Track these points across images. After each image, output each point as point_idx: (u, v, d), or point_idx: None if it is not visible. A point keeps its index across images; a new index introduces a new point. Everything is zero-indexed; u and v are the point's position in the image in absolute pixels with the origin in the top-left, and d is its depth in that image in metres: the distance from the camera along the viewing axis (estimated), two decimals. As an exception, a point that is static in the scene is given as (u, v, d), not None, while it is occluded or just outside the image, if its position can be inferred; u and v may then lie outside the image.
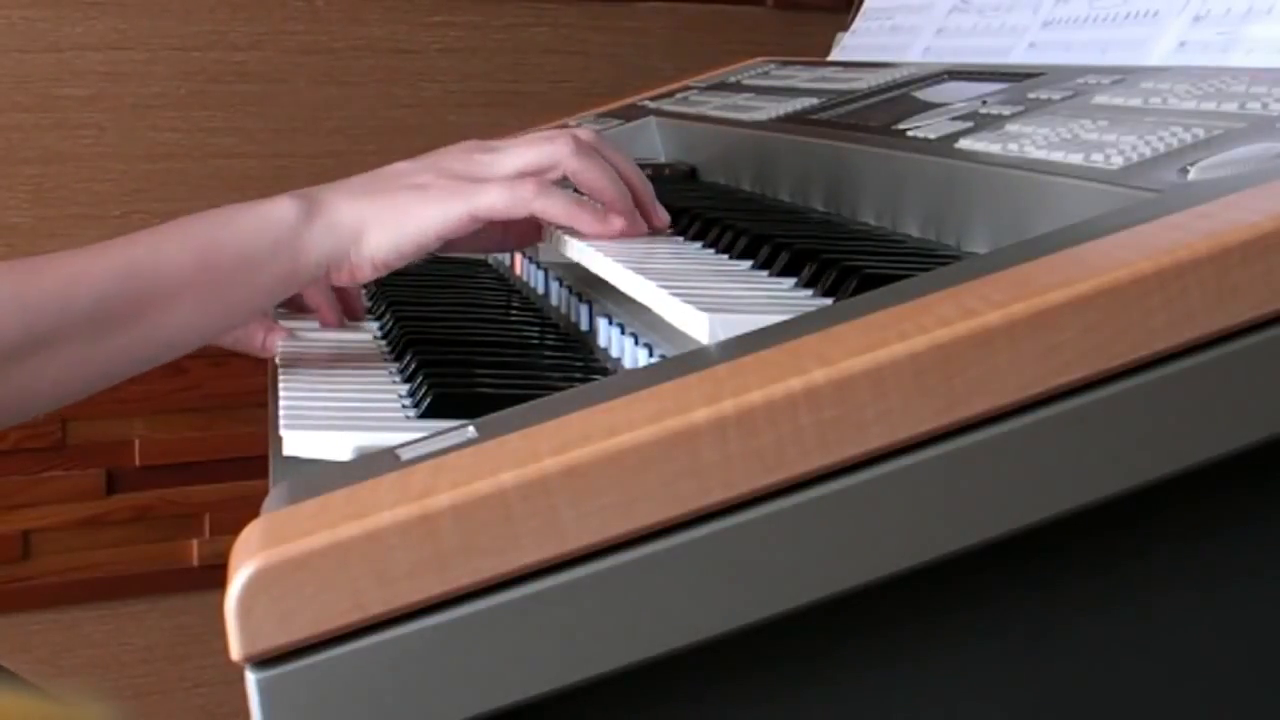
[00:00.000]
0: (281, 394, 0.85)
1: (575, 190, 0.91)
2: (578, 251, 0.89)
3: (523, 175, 0.89)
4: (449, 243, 0.90)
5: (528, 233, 0.97)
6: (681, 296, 0.71)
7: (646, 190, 0.94)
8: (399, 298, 1.13)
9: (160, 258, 0.86)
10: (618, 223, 0.90)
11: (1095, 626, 0.57)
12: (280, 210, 0.87)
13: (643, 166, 1.00)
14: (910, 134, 0.97)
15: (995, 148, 0.85)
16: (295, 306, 1.09)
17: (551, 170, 0.90)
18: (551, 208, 0.88)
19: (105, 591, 2.00)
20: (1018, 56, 1.15)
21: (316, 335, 1.03)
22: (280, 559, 0.48)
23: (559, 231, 0.94)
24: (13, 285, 0.83)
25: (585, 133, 0.93)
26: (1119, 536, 0.56)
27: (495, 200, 0.87)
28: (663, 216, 0.94)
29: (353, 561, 0.48)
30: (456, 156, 0.91)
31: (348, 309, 1.08)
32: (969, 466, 0.51)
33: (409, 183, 0.89)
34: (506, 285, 1.28)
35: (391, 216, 0.87)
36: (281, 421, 0.77)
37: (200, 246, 0.86)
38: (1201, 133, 0.73)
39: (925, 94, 1.11)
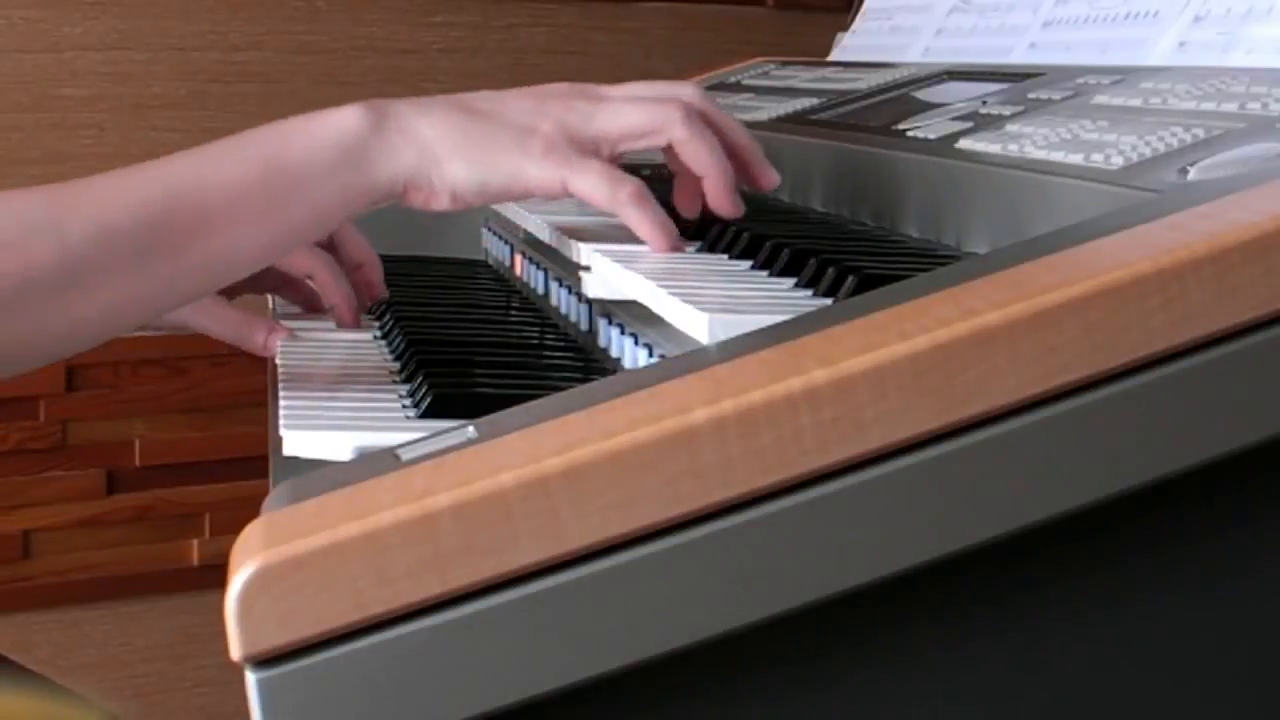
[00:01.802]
0: (281, 394, 0.85)
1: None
2: (580, 252, 0.89)
3: (625, 138, 0.84)
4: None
5: None
6: (681, 296, 0.71)
7: (754, 152, 0.88)
8: (399, 298, 1.13)
9: (212, 175, 0.80)
10: (689, 247, 0.87)
11: (1095, 626, 0.57)
12: (346, 118, 0.81)
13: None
14: (910, 134, 0.97)
15: (995, 148, 0.85)
16: (310, 307, 1.09)
17: (656, 135, 0.85)
18: (641, 221, 0.84)
19: (105, 591, 2.00)
20: (1018, 56, 1.15)
21: (317, 336, 1.03)
22: (280, 559, 0.48)
23: (564, 234, 0.94)
24: (49, 210, 0.77)
25: (694, 94, 0.87)
26: (1119, 536, 0.56)
27: (594, 188, 0.82)
28: (772, 176, 0.89)
29: (353, 561, 0.48)
30: (559, 100, 0.84)
31: (363, 303, 1.07)
32: (969, 466, 0.51)
33: (510, 121, 0.83)
34: (506, 286, 1.28)
35: (484, 152, 0.82)
36: (281, 421, 0.77)
37: (255, 162, 0.80)
38: (1201, 133, 0.73)
39: (925, 94, 1.11)
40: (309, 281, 1.07)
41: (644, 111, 0.85)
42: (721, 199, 0.86)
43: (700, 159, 0.85)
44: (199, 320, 1.02)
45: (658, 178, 0.94)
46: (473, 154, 0.82)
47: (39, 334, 0.77)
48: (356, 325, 1.04)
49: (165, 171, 0.81)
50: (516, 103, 0.85)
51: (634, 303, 0.79)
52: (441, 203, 0.83)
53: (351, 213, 0.83)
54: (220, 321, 1.02)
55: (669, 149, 0.86)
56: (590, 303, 1.02)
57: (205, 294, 0.84)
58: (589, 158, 0.83)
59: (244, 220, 0.79)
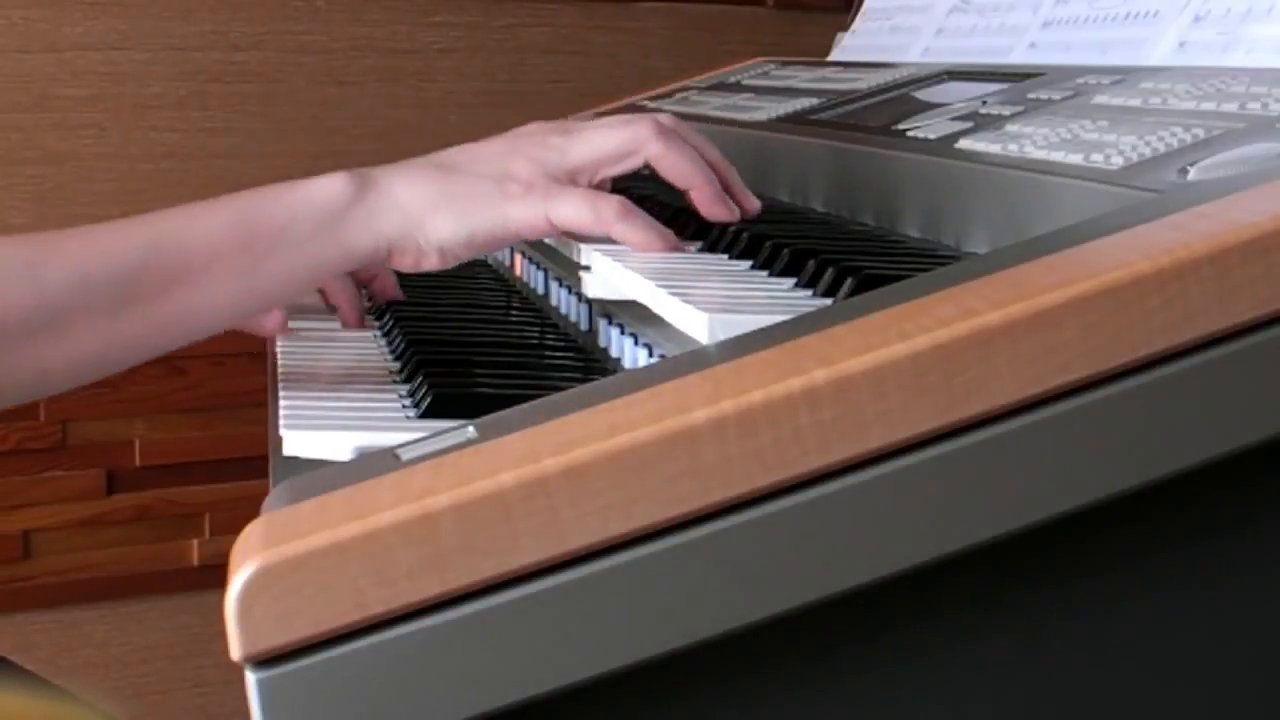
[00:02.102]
0: (281, 394, 0.85)
1: (655, 176, 0.88)
2: (579, 252, 0.89)
3: (603, 164, 0.85)
4: None
5: None
6: (681, 296, 0.70)
7: (731, 175, 0.90)
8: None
9: (191, 232, 0.81)
10: (690, 247, 0.86)
11: (1095, 626, 0.57)
12: (328, 187, 0.82)
13: (642, 168, 1.00)
14: (910, 134, 0.97)
15: (995, 148, 0.85)
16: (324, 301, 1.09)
17: (633, 156, 0.86)
18: (630, 232, 0.84)
19: (105, 591, 2.00)
20: (1018, 56, 1.15)
21: (317, 335, 1.03)
22: (280, 559, 0.48)
23: (564, 234, 0.94)
24: (27, 256, 0.78)
25: (666, 117, 0.88)
26: (1119, 536, 0.56)
27: (577, 213, 0.83)
28: (752, 202, 0.90)
29: (353, 561, 0.48)
30: (531, 139, 0.86)
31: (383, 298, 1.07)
32: (969, 466, 0.51)
33: (485, 170, 0.84)
34: (506, 285, 1.28)
35: (465, 204, 0.83)
36: (281, 421, 0.77)
37: (236, 222, 0.81)
38: (1201, 133, 0.73)
39: (925, 94, 1.11)
40: None
41: (616, 135, 0.86)
42: (712, 207, 0.87)
43: (681, 170, 0.86)
44: None
45: (656, 178, 0.94)
46: (454, 208, 0.83)
47: (7, 378, 0.78)
48: (360, 325, 1.05)
49: (146, 224, 0.82)
50: (490, 150, 0.86)
51: (634, 303, 0.79)
52: (431, 261, 0.84)
53: (330, 275, 0.86)
54: None
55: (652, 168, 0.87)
56: (590, 303, 1.02)
57: (177, 347, 0.84)
58: (567, 187, 0.84)
59: (221, 277, 0.80)
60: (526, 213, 0.83)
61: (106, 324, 0.79)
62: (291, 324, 1.03)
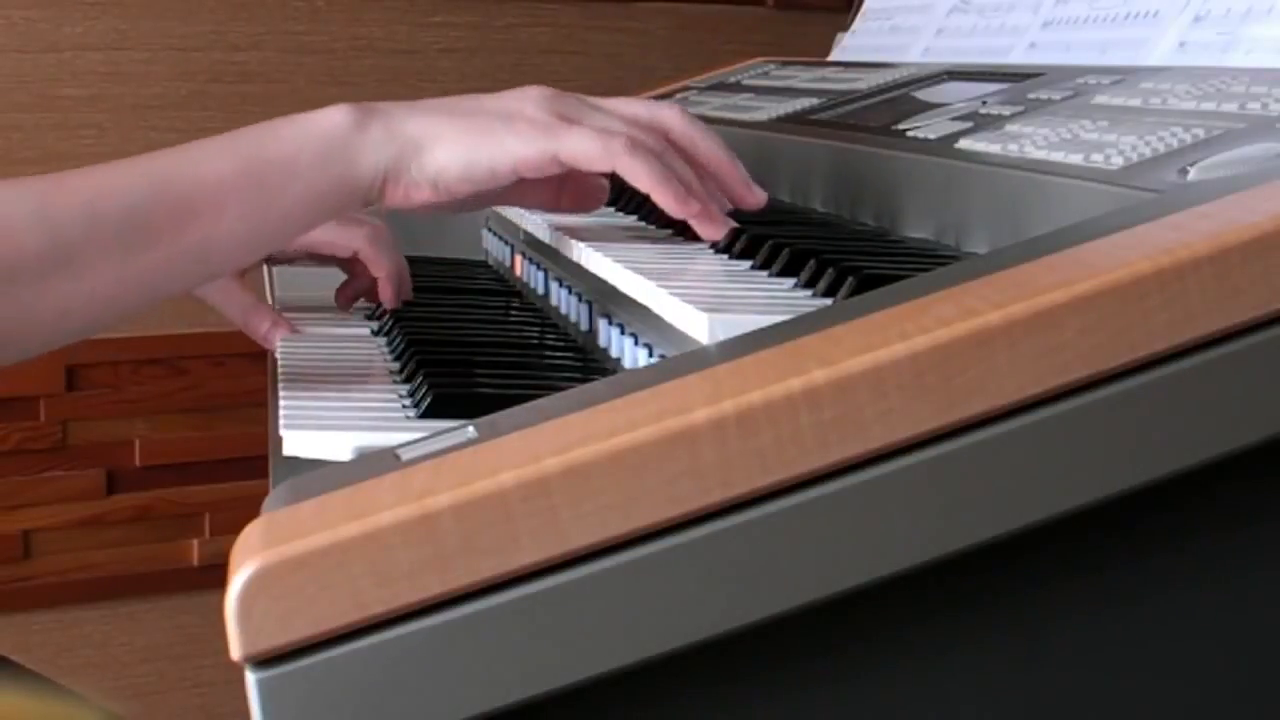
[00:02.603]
0: (282, 394, 0.85)
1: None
2: (579, 252, 0.89)
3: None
4: (494, 194, 0.85)
5: (584, 196, 0.93)
6: (681, 296, 0.70)
7: (736, 174, 0.89)
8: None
9: (199, 166, 0.81)
10: (695, 206, 0.85)
11: (1094, 627, 0.57)
12: (332, 116, 0.82)
13: None
14: (910, 134, 0.97)
15: (995, 148, 0.85)
16: (352, 296, 1.10)
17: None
18: (639, 169, 0.82)
19: (105, 591, 2.00)
20: (1018, 57, 1.15)
21: (317, 334, 1.03)
22: (280, 559, 0.48)
23: (564, 234, 0.94)
24: (35, 197, 0.78)
25: (676, 120, 0.87)
26: (1119, 536, 0.56)
27: (586, 146, 0.82)
28: (756, 196, 0.89)
29: (353, 561, 0.48)
30: (543, 93, 0.85)
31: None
32: (969, 466, 0.51)
33: (492, 108, 0.84)
34: (506, 286, 1.28)
35: (467, 136, 0.82)
36: (281, 421, 0.77)
37: (242, 155, 0.81)
38: (1201, 133, 0.73)
39: (925, 94, 1.11)
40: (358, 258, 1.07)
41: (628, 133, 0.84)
42: (709, 230, 0.86)
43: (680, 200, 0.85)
44: (212, 295, 1.03)
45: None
46: (456, 139, 0.82)
47: (27, 320, 0.78)
48: (396, 303, 1.05)
49: (154, 163, 0.82)
50: (502, 95, 0.86)
51: (634, 303, 0.79)
52: (423, 194, 0.82)
53: (340, 208, 0.84)
54: (231, 301, 1.03)
55: None
56: (590, 303, 1.02)
57: (192, 286, 0.84)
58: (575, 124, 0.83)
59: (230, 211, 0.80)
60: (531, 148, 0.82)
61: (120, 261, 0.78)
62: (292, 318, 1.03)
